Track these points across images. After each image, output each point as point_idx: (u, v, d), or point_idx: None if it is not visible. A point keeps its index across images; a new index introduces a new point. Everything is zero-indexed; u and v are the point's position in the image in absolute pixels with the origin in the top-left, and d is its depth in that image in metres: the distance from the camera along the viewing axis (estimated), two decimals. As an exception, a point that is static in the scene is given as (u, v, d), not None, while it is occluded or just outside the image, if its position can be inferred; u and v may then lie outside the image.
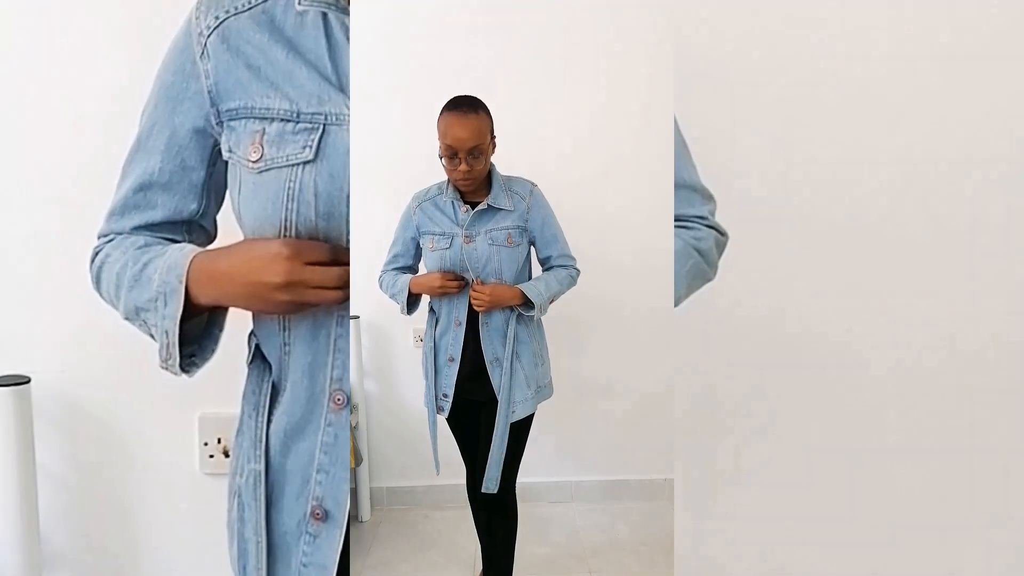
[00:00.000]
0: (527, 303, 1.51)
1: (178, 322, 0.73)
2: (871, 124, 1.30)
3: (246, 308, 0.75)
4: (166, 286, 0.73)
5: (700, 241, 0.90)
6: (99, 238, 0.84)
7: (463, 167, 1.45)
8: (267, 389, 0.78)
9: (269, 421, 0.78)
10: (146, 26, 1.20)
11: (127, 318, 0.79)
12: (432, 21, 2.22)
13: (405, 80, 2.21)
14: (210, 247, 0.81)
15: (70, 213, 1.21)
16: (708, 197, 0.93)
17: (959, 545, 1.36)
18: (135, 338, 0.82)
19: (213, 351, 0.80)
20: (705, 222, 0.91)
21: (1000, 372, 1.34)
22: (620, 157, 2.26)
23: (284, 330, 0.77)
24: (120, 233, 0.81)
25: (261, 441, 0.78)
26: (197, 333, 0.79)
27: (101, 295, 0.83)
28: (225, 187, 0.83)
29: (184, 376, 0.78)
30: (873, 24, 1.28)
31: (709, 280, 0.94)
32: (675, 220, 0.91)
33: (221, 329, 0.80)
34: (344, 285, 0.72)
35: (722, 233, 0.93)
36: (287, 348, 0.77)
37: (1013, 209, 1.28)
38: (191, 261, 0.73)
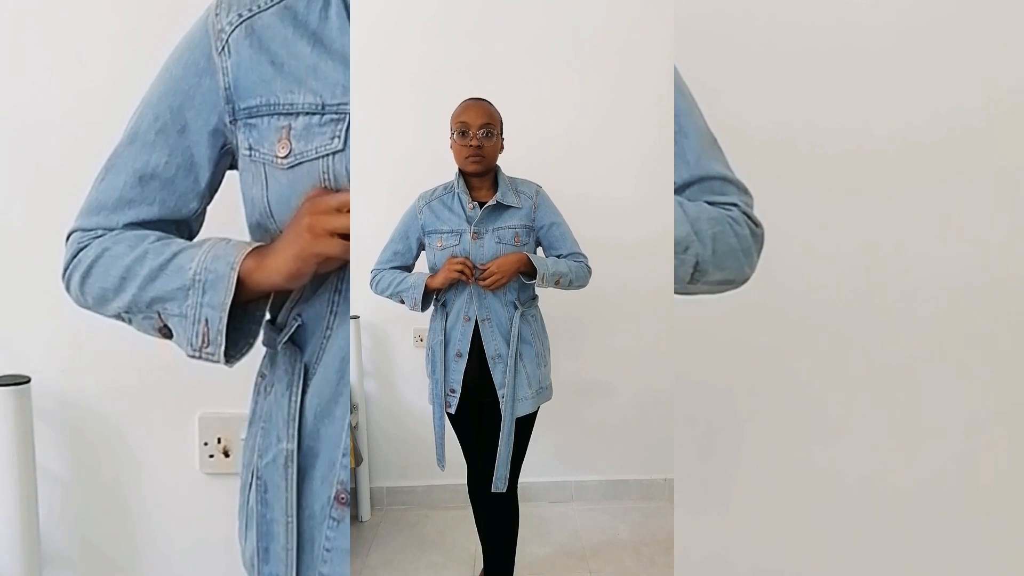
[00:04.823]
0: (531, 273, 1.51)
1: (227, 309, 0.72)
2: (876, 110, 1.30)
3: (296, 273, 0.73)
4: (209, 274, 0.73)
5: (735, 222, 0.85)
6: (80, 232, 0.81)
7: (474, 142, 1.49)
8: (300, 369, 0.78)
9: (302, 401, 0.77)
10: (148, 25, 1.20)
11: (127, 311, 0.77)
12: (434, 19, 2.22)
13: (406, 80, 2.21)
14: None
15: (71, 213, 1.21)
16: (743, 190, 0.89)
17: (959, 544, 1.36)
18: (135, 338, 0.81)
19: (250, 345, 0.79)
20: (740, 208, 0.86)
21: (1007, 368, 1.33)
22: (621, 156, 2.25)
23: (332, 313, 0.77)
24: (111, 229, 0.79)
25: (295, 420, 0.77)
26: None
27: (83, 290, 0.79)
28: (219, 187, 0.83)
29: (225, 366, 0.77)
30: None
31: (743, 268, 0.87)
32: (709, 202, 0.86)
33: (259, 323, 0.79)
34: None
35: (756, 224, 0.88)
36: (328, 332, 0.77)
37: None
38: (248, 251, 0.73)
